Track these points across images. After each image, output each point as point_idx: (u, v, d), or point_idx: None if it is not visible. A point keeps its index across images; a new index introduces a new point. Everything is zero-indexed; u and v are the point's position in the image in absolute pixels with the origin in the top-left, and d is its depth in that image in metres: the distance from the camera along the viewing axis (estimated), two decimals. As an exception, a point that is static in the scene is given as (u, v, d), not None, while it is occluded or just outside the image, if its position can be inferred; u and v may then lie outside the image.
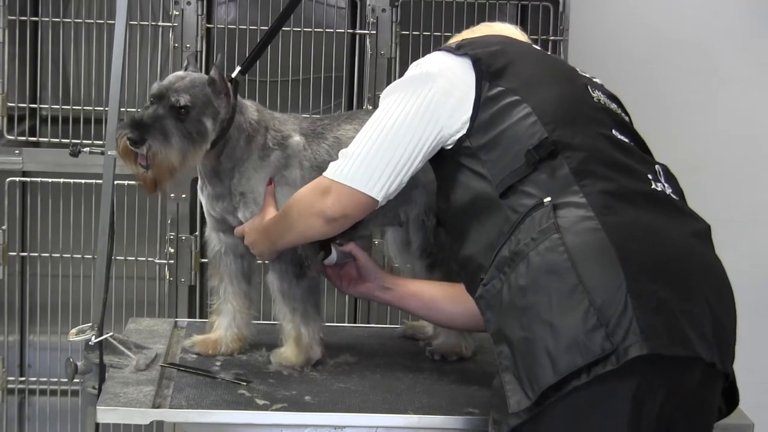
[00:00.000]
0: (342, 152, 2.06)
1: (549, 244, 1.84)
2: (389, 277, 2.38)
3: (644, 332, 1.76)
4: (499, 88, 2.01)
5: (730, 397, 1.96)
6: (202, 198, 2.39)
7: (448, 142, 2.03)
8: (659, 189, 1.96)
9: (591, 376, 1.77)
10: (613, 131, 2.02)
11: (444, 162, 2.06)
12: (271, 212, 2.26)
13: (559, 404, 1.79)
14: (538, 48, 2.25)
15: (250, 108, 2.33)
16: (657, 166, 2.02)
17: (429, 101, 2.01)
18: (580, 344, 1.76)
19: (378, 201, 2.04)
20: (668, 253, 1.86)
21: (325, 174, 2.06)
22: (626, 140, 2.02)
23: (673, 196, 1.98)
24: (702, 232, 1.95)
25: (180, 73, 2.28)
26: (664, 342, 1.77)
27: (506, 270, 1.87)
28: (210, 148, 2.25)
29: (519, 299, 1.84)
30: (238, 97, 2.31)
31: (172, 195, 3.19)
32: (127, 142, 2.13)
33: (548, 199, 1.89)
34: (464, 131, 2.01)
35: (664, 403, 1.81)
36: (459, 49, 2.06)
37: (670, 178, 2.02)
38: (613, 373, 1.76)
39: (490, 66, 2.03)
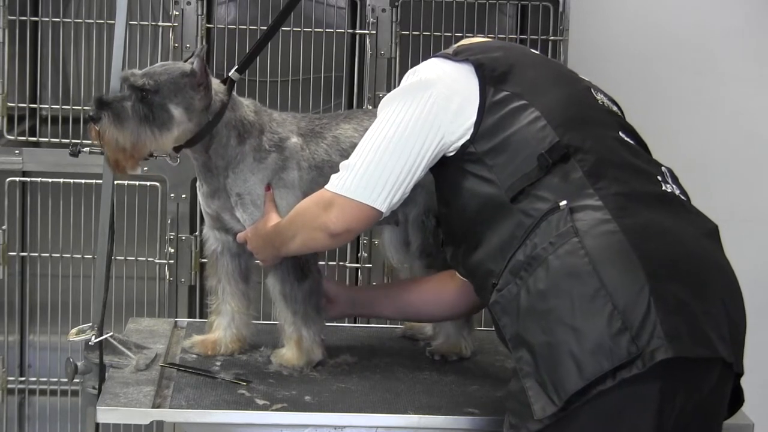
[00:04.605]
0: (343, 164, 2.05)
1: (569, 248, 1.83)
2: (359, 292, 2.48)
3: (668, 335, 1.76)
4: (505, 93, 2.00)
5: (733, 398, 1.97)
6: (199, 195, 2.39)
7: (451, 149, 2.02)
8: (669, 190, 1.97)
9: (617, 380, 1.77)
10: (620, 133, 2.02)
11: (446, 169, 2.05)
12: (273, 218, 2.26)
13: (583, 409, 1.79)
14: (537, 52, 2.25)
15: (247, 108, 2.33)
16: (663, 168, 2.02)
17: (429, 108, 2.01)
18: (605, 348, 1.76)
19: (382, 212, 2.03)
20: (684, 254, 1.87)
21: (327, 187, 2.05)
22: (632, 142, 2.03)
23: (682, 197, 1.99)
24: (712, 232, 1.96)
25: (165, 62, 2.32)
26: (688, 344, 1.78)
27: (522, 274, 1.87)
28: (195, 142, 2.25)
29: (539, 303, 1.83)
30: (234, 94, 2.31)
31: (172, 195, 3.19)
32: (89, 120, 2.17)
33: (564, 202, 1.89)
34: (468, 137, 2.00)
35: (685, 404, 1.81)
36: (457, 55, 2.06)
37: (676, 180, 2.03)
38: (638, 376, 1.76)
39: (493, 71, 2.02)
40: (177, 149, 2.28)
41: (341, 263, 3.25)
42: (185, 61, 2.30)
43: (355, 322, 3.19)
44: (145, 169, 3.02)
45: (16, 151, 3.20)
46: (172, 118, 2.20)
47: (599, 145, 1.96)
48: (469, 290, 2.16)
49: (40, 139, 3.29)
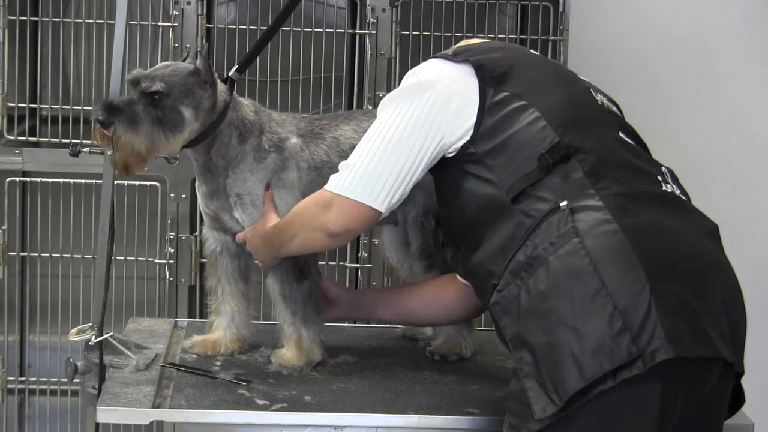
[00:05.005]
0: (342, 164, 2.05)
1: (569, 248, 1.83)
2: (360, 295, 2.47)
3: (669, 335, 1.76)
4: (505, 94, 2.00)
5: (734, 398, 1.97)
6: (198, 196, 2.39)
7: (450, 150, 2.02)
8: (669, 190, 1.97)
9: (617, 380, 1.77)
10: (620, 133, 2.02)
11: (446, 170, 2.05)
12: (272, 218, 2.26)
13: (584, 409, 1.79)
14: (537, 53, 2.25)
15: (247, 107, 2.32)
16: (663, 168, 2.03)
17: (429, 109, 2.01)
18: (606, 348, 1.76)
19: (381, 213, 2.03)
20: (685, 254, 1.87)
21: (326, 187, 2.05)
22: (632, 143, 2.03)
23: (682, 197, 1.99)
24: (713, 231, 1.97)
25: (168, 62, 2.30)
26: (688, 344, 1.78)
27: (523, 275, 1.87)
28: (198, 142, 2.25)
29: (540, 304, 1.83)
30: (234, 94, 2.31)
31: (172, 195, 3.19)
32: (98, 124, 2.15)
33: (564, 202, 1.89)
34: (468, 138, 2.00)
35: (686, 404, 1.82)
36: (457, 56, 2.06)
37: (676, 180, 2.03)
38: (639, 377, 1.76)
39: (493, 71, 2.02)
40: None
41: (341, 263, 3.25)
42: (182, 61, 2.30)
43: (355, 323, 3.19)
44: (146, 169, 3.02)
45: (16, 151, 3.20)
46: (183, 119, 2.20)
47: (599, 146, 1.97)
48: (469, 295, 2.16)
49: (40, 139, 3.29)
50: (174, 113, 2.18)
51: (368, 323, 3.05)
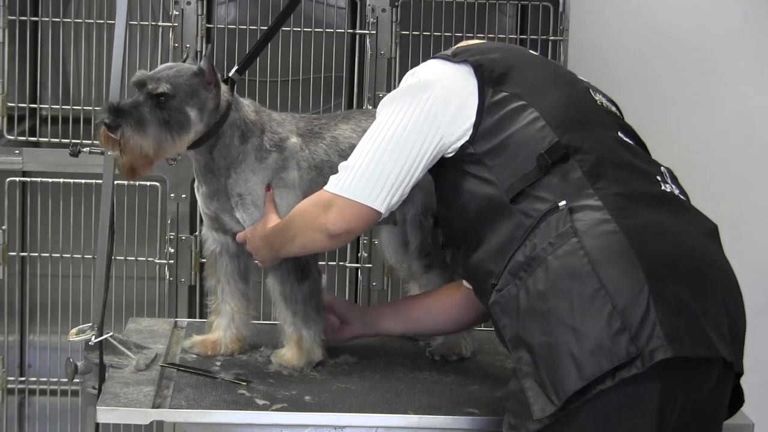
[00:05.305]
0: (342, 165, 2.05)
1: (568, 248, 1.83)
2: (368, 311, 2.47)
3: (668, 335, 1.76)
4: (504, 94, 2.00)
5: (733, 398, 1.97)
6: (197, 197, 2.39)
7: (449, 150, 2.02)
8: (668, 190, 1.97)
9: (616, 380, 1.77)
10: (619, 133, 2.02)
11: (445, 170, 2.05)
12: (273, 219, 2.26)
13: (583, 409, 1.79)
14: (536, 53, 2.25)
15: (248, 107, 2.33)
16: (663, 168, 2.03)
17: (428, 109, 2.01)
18: (605, 348, 1.77)
19: (381, 213, 2.03)
20: (685, 254, 1.87)
21: (325, 188, 2.05)
22: (631, 143, 2.03)
23: (682, 197, 1.99)
24: (712, 231, 1.97)
25: (171, 63, 2.29)
26: (687, 344, 1.78)
27: (522, 275, 1.87)
28: (201, 143, 2.25)
29: (539, 304, 1.83)
30: (236, 95, 2.31)
31: (172, 195, 3.19)
32: (104, 127, 2.14)
33: (563, 202, 1.89)
34: (467, 138, 2.00)
35: (685, 404, 1.82)
36: (456, 57, 2.06)
37: (675, 180, 2.03)
38: (638, 376, 1.76)
39: (492, 72, 2.02)
40: None
41: (341, 263, 3.25)
42: (182, 61, 2.30)
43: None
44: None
45: (16, 151, 3.20)
46: (189, 120, 2.19)
47: (599, 145, 1.97)
48: (474, 301, 2.16)
49: (40, 139, 3.29)
50: (180, 114, 2.18)
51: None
